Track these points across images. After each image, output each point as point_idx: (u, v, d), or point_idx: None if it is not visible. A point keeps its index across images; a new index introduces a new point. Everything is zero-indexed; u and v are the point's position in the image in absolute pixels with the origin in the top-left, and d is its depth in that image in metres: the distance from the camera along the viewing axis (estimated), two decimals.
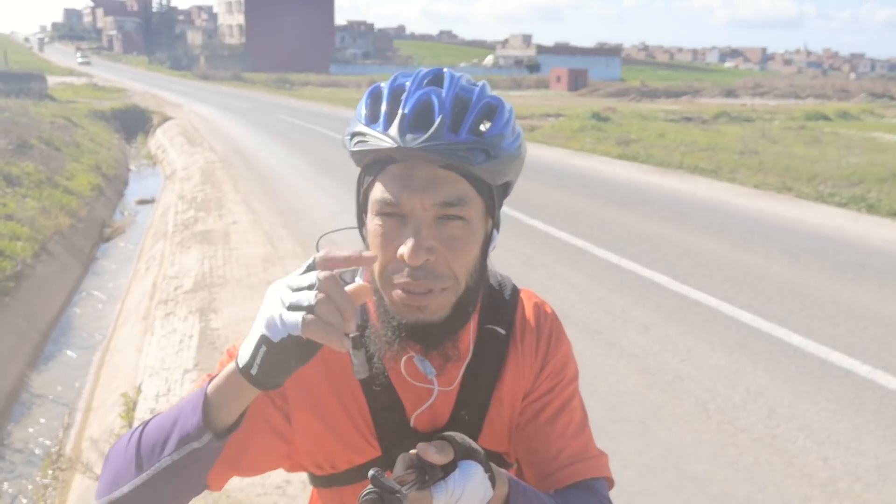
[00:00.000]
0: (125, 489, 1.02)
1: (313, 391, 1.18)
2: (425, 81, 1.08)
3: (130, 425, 4.52)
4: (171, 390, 4.91)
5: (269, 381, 0.95)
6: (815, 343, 5.43)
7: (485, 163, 1.03)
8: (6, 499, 4.73)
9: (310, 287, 0.91)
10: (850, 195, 11.47)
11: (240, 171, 14.71)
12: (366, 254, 0.95)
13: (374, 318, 1.16)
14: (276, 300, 0.92)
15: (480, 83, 1.12)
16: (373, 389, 1.17)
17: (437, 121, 1.02)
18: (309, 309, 0.89)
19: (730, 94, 54.65)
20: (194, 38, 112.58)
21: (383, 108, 1.06)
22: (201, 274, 7.47)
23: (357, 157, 1.09)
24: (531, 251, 8.07)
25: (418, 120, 1.03)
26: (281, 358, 0.93)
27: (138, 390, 5.00)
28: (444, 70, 1.11)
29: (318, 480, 1.26)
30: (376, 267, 1.08)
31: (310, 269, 0.94)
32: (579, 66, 70.61)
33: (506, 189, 1.15)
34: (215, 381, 0.99)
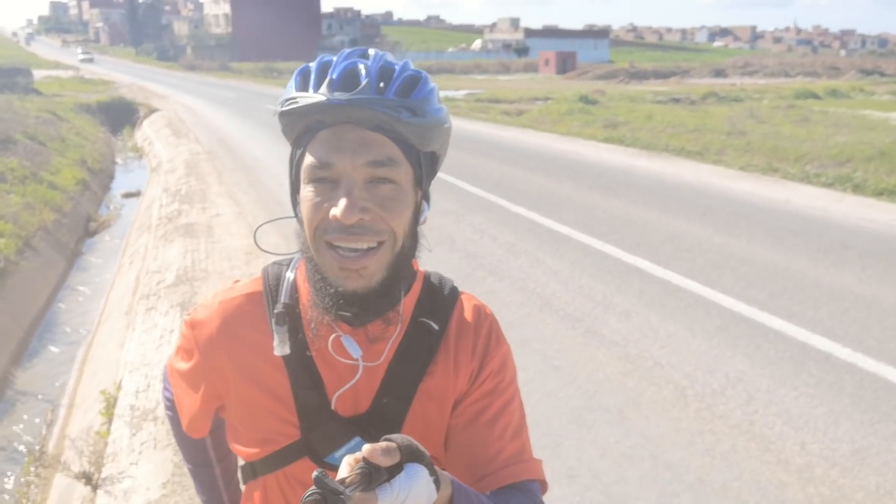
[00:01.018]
0: None
1: (242, 366, 1.23)
2: (353, 56, 1.12)
3: (110, 423, 4.51)
4: (150, 386, 4.90)
5: None
6: (795, 327, 5.44)
7: (411, 119, 1.07)
8: None
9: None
10: (836, 175, 11.47)
11: (224, 163, 14.64)
12: None
13: (304, 292, 1.19)
14: None
15: (405, 60, 1.16)
16: (295, 368, 1.19)
17: (364, 82, 1.06)
18: None
19: (719, 73, 54.67)
20: (181, 28, 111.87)
21: (312, 77, 1.10)
22: (183, 268, 7.44)
23: (288, 122, 1.12)
24: (514, 238, 8.06)
25: (345, 82, 1.07)
26: None
27: (119, 387, 4.98)
28: (371, 49, 1.15)
29: (246, 473, 1.29)
30: (307, 231, 1.10)
31: None
32: (568, 49, 70.49)
33: (433, 161, 1.18)
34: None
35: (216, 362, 1.25)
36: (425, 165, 1.15)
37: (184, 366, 1.31)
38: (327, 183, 1.07)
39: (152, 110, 27.03)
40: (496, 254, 7.48)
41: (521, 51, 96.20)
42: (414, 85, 1.10)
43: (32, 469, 4.80)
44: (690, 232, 8.24)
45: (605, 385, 4.63)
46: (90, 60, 79.95)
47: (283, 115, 1.12)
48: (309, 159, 1.09)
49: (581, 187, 11.13)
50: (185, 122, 23.13)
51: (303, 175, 1.10)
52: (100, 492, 3.79)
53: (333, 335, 1.17)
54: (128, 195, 14.04)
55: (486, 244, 7.84)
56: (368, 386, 1.20)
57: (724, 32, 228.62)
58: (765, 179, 11.79)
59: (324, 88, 1.07)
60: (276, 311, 1.19)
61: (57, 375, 6.52)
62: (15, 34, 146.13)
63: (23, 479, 4.81)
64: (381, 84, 1.08)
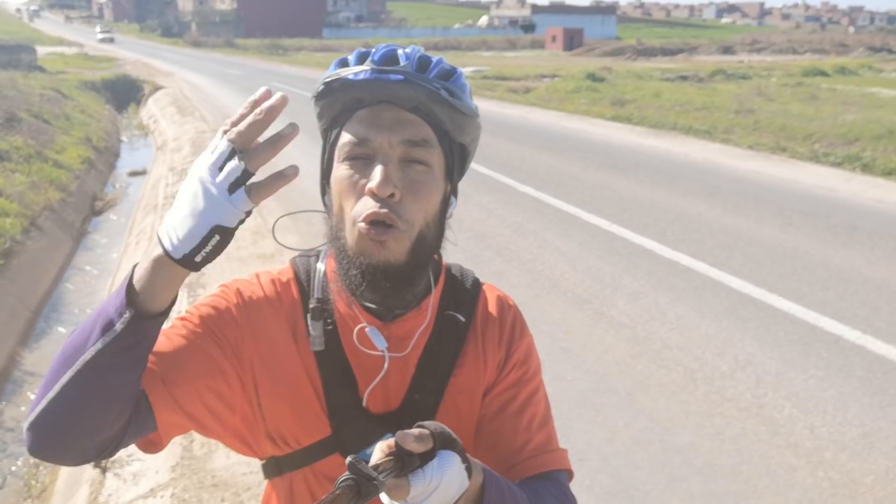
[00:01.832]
0: (49, 395, 0.97)
1: (275, 359, 1.19)
2: (390, 46, 1.14)
3: None
4: None
5: (203, 265, 0.97)
6: (804, 308, 5.41)
7: (450, 99, 1.10)
8: None
9: (230, 155, 0.95)
10: (845, 154, 11.40)
11: None
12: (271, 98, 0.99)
13: (333, 285, 1.18)
14: (210, 189, 0.94)
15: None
16: (326, 363, 1.18)
17: (405, 63, 1.10)
18: (245, 176, 0.95)
19: (727, 50, 54.25)
20: (185, 4, 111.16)
21: (352, 60, 1.13)
22: None
23: (327, 100, 1.13)
24: (522, 219, 8.02)
25: (386, 62, 1.10)
26: (229, 240, 0.97)
27: None
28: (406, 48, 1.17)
29: (269, 469, 1.26)
30: (342, 211, 1.11)
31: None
32: (575, 26, 70.04)
33: (463, 155, 1.20)
34: (140, 272, 0.97)
35: (251, 332, 1.18)
36: (456, 156, 1.18)
37: (207, 311, 1.19)
38: (362, 160, 1.09)
39: (157, 88, 26.95)
40: (504, 234, 7.45)
41: (528, 27, 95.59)
42: (451, 75, 1.13)
43: None
44: (699, 212, 8.20)
45: (614, 367, 4.62)
46: (110, 40, 71.07)
47: (323, 91, 1.13)
48: (345, 137, 1.11)
49: (589, 167, 11.08)
50: (191, 99, 23.05)
51: (337, 154, 1.12)
52: (108, 475, 3.80)
53: (359, 326, 1.17)
54: (133, 174, 14.00)
55: (494, 224, 7.81)
56: (399, 382, 1.20)
57: (731, 9, 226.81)
58: (773, 158, 11.72)
59: (366, 65, 1.09)
60: (311, 306, 1.19)
61: None
62: (18, 10, 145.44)
63: (31, 461, 4.83)
64: (421, 67, 1.11)
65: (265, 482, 1.35)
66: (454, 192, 1.20)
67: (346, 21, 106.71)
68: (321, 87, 1.13)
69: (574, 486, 3.47)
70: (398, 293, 1.14)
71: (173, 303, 1.01)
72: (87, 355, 0.95)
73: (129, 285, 0.97)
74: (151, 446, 1.14)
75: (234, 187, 0.94)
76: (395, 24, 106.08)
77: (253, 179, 0.96)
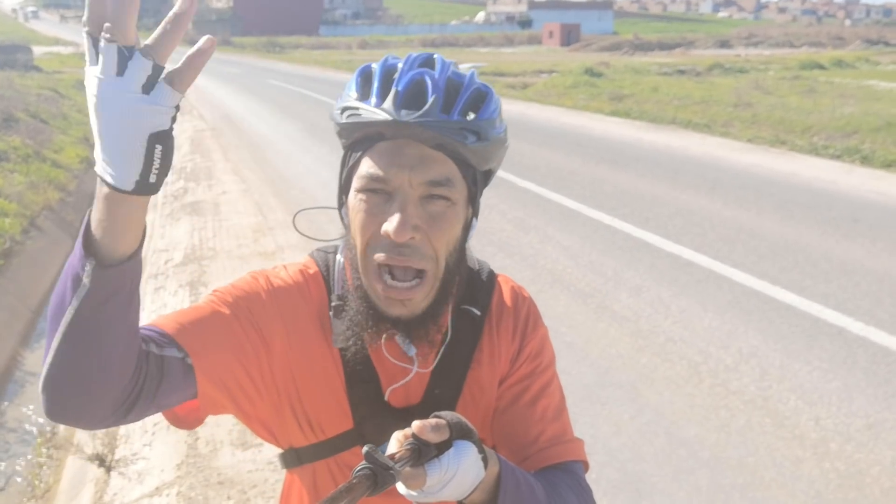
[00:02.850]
0: (48, 358, 0.91)
1: (307, 347, 1.18)
2: (417, 63, 1.10)
3: None
4: None
5: (161, 182, 0.87)
6: (807, 301, 5.41)
7: (475, 144, 1.07)
8: (1, 478, 4.73)
9: (123, 56, 0.81)
10: (844, 147, 11.40)
11: (229, 140, 14.58)
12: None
13: (354, 296, 1.16)
14: (123, 99, 0.81)
15: (471, 71, 1.14)
16: (351, 360, 1.18)
17: (431, 99, 1.04)
18: (157, 71, 0.82)
19: (724, 44, 54.23)
20: None
21: (375, 84, 1.08)
22: (191, 246, 7.42)
23: (347, 130, 1.10)
24: (523, 214, 8.02)
25: (412, 97, 1.05)
26: (172, 143, 0.86)
27: None
28: (435, 55, 1.13)
29: (289, 459, 1.27)
30: (358, 244, 1.09)
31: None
32: (572, 21, 70.01)
33: (488, 177, 1.18)
34: (96, 217, 0.87)
35: (281, 319, 1.17)
36: (480, 183, 1.16)
37: (241, 293, 1.17)
38: (381, 195, 1.07)
39: None
40: (505, 229, 7.44)
41: (525, 23, 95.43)
42: (480, 103, 1.10)
43: (44, 450, 4.80)
44: (700, 206, 8.19)
45: (618, 361, 4.61)
46: None
47: (343, 126, 1.11)
48: (365, 169, 1.08)
49: (589, 161, 11.07)
50: (188, 98, 22.97)
51: (356, 182, 1.09)
52: (113, 473, 3.79)
53: (388, 333, 1.15)
54: None
55: (496, 220, 7.80)
56: (419, 379, 1.21)
57: (728, 3, 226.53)
58: (773, 152, 11.71)
59: (388, 103, 1.05)
60: (333, 303, 1.19)
61: None
62: (14, 11, 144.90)
63: (35, 461, 4.82)
64: (447, 102, 1.07)
65: (271, 480, 1.35)
66: (475, 213, 1.17)
67: (342, 18, 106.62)
68: (339, 114, 1.11)
69: None
70: (419, 333, 1.15)
71: (143, 241, 0.93)
72: (68, 316, 0.88)
73: (87, 233, 0.88)
74: (179, 420, 1.14)
75: (147, 87, 0.81)
76: (391, 21, 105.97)
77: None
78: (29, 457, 4.98)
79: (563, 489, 1.15)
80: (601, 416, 4.00)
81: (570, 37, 61.05)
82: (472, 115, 1.08)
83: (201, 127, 16.45)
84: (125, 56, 0.81)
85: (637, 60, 37.55)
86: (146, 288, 6.56)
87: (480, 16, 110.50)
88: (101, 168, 0.85)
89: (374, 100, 1.07)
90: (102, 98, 0.82)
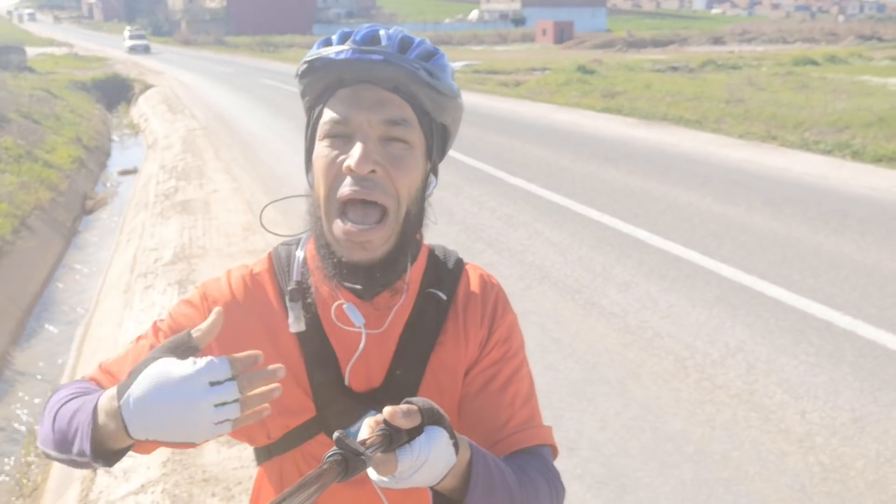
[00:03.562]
0: (52, 454, 1.09)
1: (252, 346, 1.17)
2: (373, 26, 1.15)
3: None
4: None
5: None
6: (795, 295, 5.42)
7: (430, 80, 1.11)
8: None
9: (233, 400, 0.93)
10: (835, 142, 11.41)
11: (221, 138, 14.56)
12: (273, 367, 0.98)
13: (313, 269, 1.19)
14: (200, 417, 0.92)
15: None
16: (307, 343, 1.19)
17: (385, 42, 1.11)
18: (234, 419, 0.94)
19: (717, 41, 54.28)
20: (175, 2, 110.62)
21: (335, 40, 1.14)
22: (181, 245, 7.41)
23: (309, 82, 1.15)
24: (513, 210, 8.02)
25: (368, 42, 1.11)
26: None
27: None
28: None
29: (260, 454, 1.28)
30: (322, 189, 1.12)
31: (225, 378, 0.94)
32: (565, 19, 69.85)
33: (444, 137, 1.22)
34: (108, 433, 0.99)
35: (217, 340, 1.17)
36: (437, 137, 1.19)
37: (172, 326, 1.23)
38: (342, 138, 1.10)
39: (147, 86, 26.84)
40: (495, 226, 7.45)
41: (518, 21, 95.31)
42: (432, 55, 1.15)
43: (33, 450, 4.80)
44: (689, 201, 8.20)
45: (605, 357, 4.62)
46: (144, 49, 52.13)
47: (305, 70, 1.14)
48: (327, 115, 1.12)
49: (579, 158, 11.07)
50: (181, 97, 22.98)
51: (319, 131, 1.13)
52: (99, 472, 3.79)
53: (336, 303, 1.18)
54: (124, 172, 13.95)
55: (485, 216, 7.80)
56: (380, 360, 1.21)
57: None
58: (764, 147, 11.73)
59: (347, 44, 1.11)
60: (289, 287, 1.20)
61: (56, 355, 6.51)
62: (9, 13, 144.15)
63: (23, 460, 4.81)
64: (402, 48, 1.12)
65: (255, 476, 1.35)
66: (434, 171, 1.21)
67: (336, 17, 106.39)
68: (304, 66, 1.14)
69: (565, 475, 3.47)
70: (380, 280, 1.16)
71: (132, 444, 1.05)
72: (73, 456, 1.04)
73: (95, 436, 1.00)
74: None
75: (221, 422, 0.93)
76: (385, 20, 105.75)
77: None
78: (17, 456, 4.97)
79: (533, 473, 1.16)
80: (587, 412, 4.00)
81: (563, 34, 61.03)
82: (426, 61, 1.13)
83: (193, 126, 16.42)
84: (232, 399, 0.94)
85: (630, 57, 37.58)
86: (135, 287, 6.55)
87: (474, 14, 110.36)
88: (130, 413, 0.94)
89: (334, 45, 1.12)
90: (190, 395, 0.92)
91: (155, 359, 0.96)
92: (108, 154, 16.50)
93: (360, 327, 1.18)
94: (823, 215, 7.50)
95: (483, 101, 19.17)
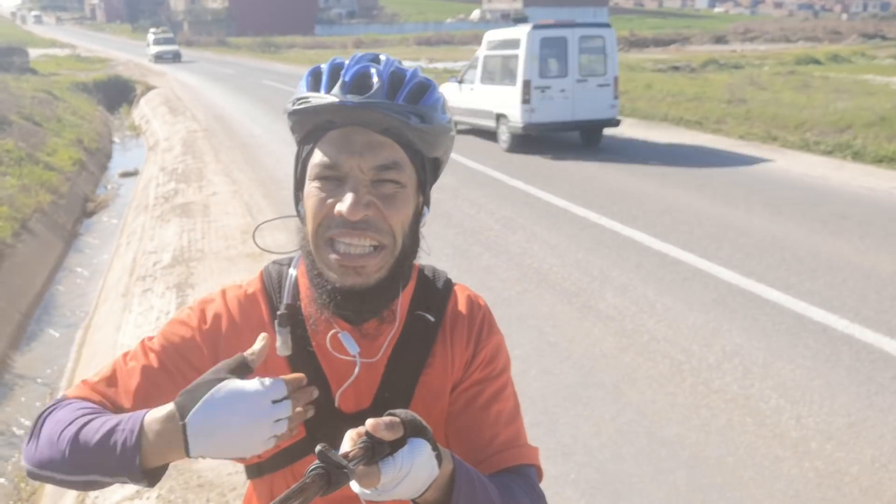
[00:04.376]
0: (54, 475, 1.06)
1: None
2: (364, 60, 1.14)
3: None
4: None
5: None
6: (792, 298, 5.42)
7: (419, 125, 1.10)
8: None
9: (286, 417, 1.01)
10: (836, 142, 11.40)
11: (221, 140, 14.57)
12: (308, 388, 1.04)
13: (305, 291, 1.20)
14: (264, 428, 0.98)
15: (415, 67, 1.19)
16: (299, 367, 1.19)
17: (376, 86, 1.09)
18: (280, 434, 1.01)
19: (719, 40, 54.15)
20: (177, 3, 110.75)
21: (324, 78, 1.12)
22: (179, 248, 7.42)
23: (299, 121, 1.14)
24: (511, 213, 8.02)
25: (358, 86, 1.09)
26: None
27: None
28: (381, 55, 1.17)
29: (250, 471, 1.29)
30: (310, 227, 1.12)
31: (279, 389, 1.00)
32: (567, 18, 69.82)
33: (436, 167, 1.22)
34: (157, 448, 1.00)
35: (213, 357, 1.21)
36: (429, 171, 1.19)
37: (171, 340, 1.23)
38: (333, 181, 1.10)
39: (149, 88, 26.87)
40: (493, 228, 7.44)
41: (520, 20, 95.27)
42: (423, 92, 1.13)
43: None
44: (688, 203, 8.19)
45: (601, 361, 4.62)
46: (174, 57, 44.04)
47: (293, 113, 1.14)
48: (317, 158, 1.11)
49: (578, 160, 11.06)
50: (183, 99, 23.00)
51: (309, 172, 1.13)
52: None
53: (332, 332, 1.18)
54: (125, 174, 13.95)
55: (484, 219, 7.81)
56: (369, 382, 1.21)
57: None
58: (764, 148, 11.72)
59: (336, 90, 1.09)
60: (279, 312, 1.20)
61: (55, 358, 6.51)
62: (13, 14, 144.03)
63: (21, 465, 4.81)
64: (392, 89, 1.10)
65: (246, 490, 1.36)
66: (427, 202, 1.21)
67: (338, 17, 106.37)
68: (292, 108, 1.14)
69: (559, 480, 3.47)
70: (371, 306, 1.17)
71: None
72: (97, 476, 1.03)
73: (139, 449, 1.00)
74: None
75: (272, 438, 1.00)
76: (387, 20, 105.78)
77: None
78: (15, 460, 4.98)
79: (517, 491, 1.16)
80: (582, 417, 4.00)
81: None
82: (419, 97, 1.12)
83: (194, 128, 16.43)
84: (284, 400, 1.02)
85: (632, 57, 37.52)
86: (133, 290, 6.56)
87: (476, 14, 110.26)
88: (194, 433, 0.97)
89: (323, 89, 1.11)
90: (256, 409, 0.98)
91: (219, 379, 0.99)
92: (109, 156, 16.50)
93: (354, 356, 1.19)
94: (822, 217, 7.49)
95: None
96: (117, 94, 26.46)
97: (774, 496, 3.33)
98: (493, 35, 12.72)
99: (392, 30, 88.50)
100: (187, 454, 0.97)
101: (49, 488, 4.31)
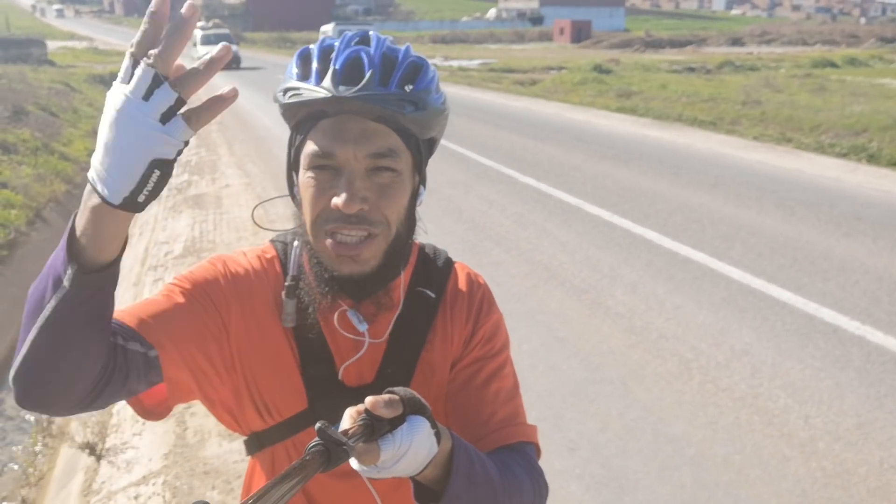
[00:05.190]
0: (22, 351, 0.96)
1: (259, 330, 1.21)
2: (353, 41, 1.13)
3: None
4: None
5: (147, 204, 0.90)
6: (803, 299, 5.39)
7: (413, 113, 1.10)
8: None
9: (155, 82, 0.86)
10: (850, 145, 11.33)
11: (235, 133, 14.63)
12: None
13: (307, 271, 1.20)
14: (140, 121, 0.86)
15: (406, 45, 1.17)
16: (305, 339, 1.21)
17: (368, 74, 1.07)
18: (178, 104, 0.88)
19: (736, 42, 53.93)
20: None
21: (314, 65, 1.11)
22: (191, 239, 7.45)
23: (290, 111, 1.13)
24: (523, 209, 8.01)
25: (349, 74, 1.08)
26: (170, 173, 0.90)
27: None
28: (371, 32, 1.16)
29: (251, 445, 1.29)
30: (307, 218, 1.12)
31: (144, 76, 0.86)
32: (583, 18, 69.63)
33: (431, 146, 1.22)
34: (82, 222, 0.91)
35: (238, 302, 1.21)
36: (424, 151, 1.19)
37: (199, 278, 1.20)
38: (328, 170, 1.09)
39: None
40: (504, 225, 7.44)
41: (536, 20, 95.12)
42: (416, 74, 1.12)
43: (40, 439, 4.83)
44: (700, 203, 8.16)
45: (609, 357, 4.61)
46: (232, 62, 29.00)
47: (284, 105, 1.13)
48: (310, 147, 1.10)
49: (592, 158, 11.04)
50: (197, 92, 23.05)
51: (303, 161, 1.12)
52: (103, 462, 3.82)
53: (339, 310, 1.19)
54: None
55: (494, 215, 7.80)
56: (372, 357, 1.22)
57: (741, 0, 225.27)
58: (778, 149, 11.65)
59: (327, 81, 1.07)
60: (286, 283, 1.21)
61: None
62: (33, 7, 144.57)
63: (30, 449, 4.85)
64: (384, 74, 1.09)
65: (247, 467, 1.36)
66: (423, 181, 1.21)
67: (354, 14, 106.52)
68: (282, 101, 1.13)
69: (564, 475, 3.47)
70: (370, 291, 1.18)
71: (124, 247, 0.96)
72: (46, 312, 0.92)
73: (72, 236, 0.92)
74: (148, 413, 1.17)
75: (166, 117, 0.87)
76: (402, 18, 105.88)
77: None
78: (25, 445, 5.01)
79: (516, 468, 1.16)
80: (589, 412, 4.00)
81: (580, 34, 60.83)
82: (409, 87, 1.10)
83: None
84: (157, 83, 0.86)
85: (647, 58, 37.42)
86: (145, 279, 6.59)
87: (492, 12, 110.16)
88: (95, 176, 0.89)
89: (313, 79, 1.09)
90: (121, 115, 0.86)
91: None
92: None
93: (363, 333, 1.20)
94: (836, 218, 7.45)
95: (497, 100, 19.17)
96: None
97: (781, 495, 3.32)
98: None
99: (407, 27, 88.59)
100: (106, 201, 0.87)
101: (56, 472, 4.34)
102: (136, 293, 6.41)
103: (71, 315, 0.93)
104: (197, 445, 3.76)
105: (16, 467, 4.78)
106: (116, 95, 0.87)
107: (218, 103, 0.91)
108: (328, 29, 39.67)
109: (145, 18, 0.87)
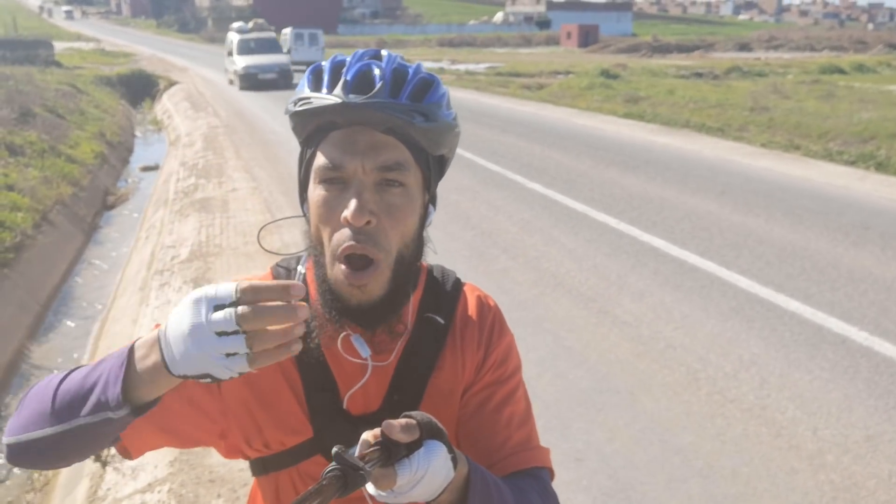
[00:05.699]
0: (35, 434, 1.01)
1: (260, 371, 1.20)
2: (366, 57, 1.13)
3: None
4: None
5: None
6: (812, 309, 5.36)
7: (423, 124, 1.09)
8: (2, 471, 4.76)
9: (234, 332, 0.87)
10: (859, 153, 11.29)
11: (242, 137, 14.63)
12: (294, 288, 0.90)
13: (313, 295, 1.18)
14: (207, 347, 0.88)
15: (416, 63, 1.17)
16: (307, 367, 1.19)
17: (378, 85, 1.07)
18: (248, 353, 0.89)
19: (743, 47, 53.90)
20: (202, 0, 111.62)
21: (325, 77, 1.11)
22: (198, 243, 7.45)
23: (300, 120, 1.13)
24: (529, 216, 8.00)
25: (359, 85, 1.08)
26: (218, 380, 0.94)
27: None
28: (383, 51, 1.16)
29: (255, 468, 1.28)
30: (324, 240, 1.11)
31: (232, 303, 0.89)
32: (590, 22, 69.69)
33: (441, 165, 1.20)
34: (140, 362, 0.95)
35: None
36: (434, 169, 1.17)
37: None
38: (337, 184, 1.08)
39: (172, 83, 27.03)
40: (511, 231, 7.43)
41: (543, 24, 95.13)
42: (426, 89, 1.12)
43: None
44: (708, 210, 8.14)
45: (617, 367, 4.59)
46: (280, 75, 25.30)
47: (295, 114, 1.13)
48: (320, 160, 1.10)
49: (599, 164, 11.02)
50: (205, 95, 23.12)
51: (313, 174, 1.12)
52: (109, 468, 3.81)
53: (343, 334, 1.17)
54: (146, 169, 14.05)
55: (501, 221, 7.79)
56: (378, 384, 1.20)
57: (749, 5, 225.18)
58: (786, 157, 11.62)
59: (338, 90, 1.08)
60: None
61: (72, 350, 6.56)
62: (41, 7, 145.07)
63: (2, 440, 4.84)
64: (395, 87, 1.09)
65: (251, 487, 1.35)
66: (432, 200, 1.20)
67: (361, 17, 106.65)
68: (293, 109, 1.13)
69: (571, 486, 3.45)
70: (379, 320, 1.16)
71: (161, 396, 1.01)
72: (80, 422, 0.98)
73: (127, 379, 0.95)
74: (125, 453, 1.17)
75: (231, 355, 0.89)
76: (410, 21, 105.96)
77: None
78: None
79: (531, 493, 1.16)
80: (596, 423, 3.98)
81: (588, 38, 60.82)
82: (422, 95, 1.11)
83: (215, 124, 16.51)
84: (234, 331, 0.88)
85: (655, 63, 37.38)
86: (151, 283, 6.59)
87: (499, 16, 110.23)
88: (166, 342, 0.91)
89: (324, 89, 1.10)
90: (199, 325, 0.88)
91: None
92: (130, 150, 16.61)
93: (366, 359, 1.18)
94: (844, 227, 7.42)
95: (504, 104, 19.16)
96: (140, 88, 26.62)
97: None
98: None
99: (415, 31, 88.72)
100: (167, 370, 0.91)
101: (62, 478, 4.33)
102: (141, 297, 6.42)
103: (104, 433, 1.00)
104: (202, 453, 3.75)
105: (21, 473, 4.79)
106: (202, 311, 0.89)
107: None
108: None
109: (282, 285, 0.89)
